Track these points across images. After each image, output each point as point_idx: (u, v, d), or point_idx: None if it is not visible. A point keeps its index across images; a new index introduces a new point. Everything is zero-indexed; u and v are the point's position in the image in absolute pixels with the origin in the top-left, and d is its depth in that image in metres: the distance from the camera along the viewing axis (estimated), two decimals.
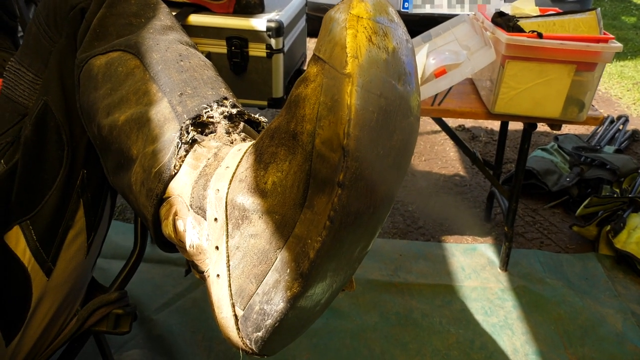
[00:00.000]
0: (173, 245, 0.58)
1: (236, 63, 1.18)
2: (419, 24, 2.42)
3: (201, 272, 0.50)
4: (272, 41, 1.15)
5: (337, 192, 0.40)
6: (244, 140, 0.54)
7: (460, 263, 1.49)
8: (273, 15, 1.18)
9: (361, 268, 1.44)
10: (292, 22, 1.26)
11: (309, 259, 0.42)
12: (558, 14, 1.21)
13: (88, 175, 0.70)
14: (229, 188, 0.46)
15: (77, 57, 0.66)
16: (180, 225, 0.50)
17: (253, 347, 0.46)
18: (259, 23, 1.14)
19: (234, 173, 0.47)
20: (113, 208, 0.79)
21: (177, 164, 0.52)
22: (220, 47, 1.17)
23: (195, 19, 1.15)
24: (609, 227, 1.55)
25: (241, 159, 0.47)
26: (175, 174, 0.52)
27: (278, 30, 1.15)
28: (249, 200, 0.45)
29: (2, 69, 0.74)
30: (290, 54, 1.27)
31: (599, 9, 1.17)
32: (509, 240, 1.42)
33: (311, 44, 3.01)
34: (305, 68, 1.37)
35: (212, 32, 1.16)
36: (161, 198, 0.53)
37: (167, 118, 0.55)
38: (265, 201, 0.44)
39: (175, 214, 0.51)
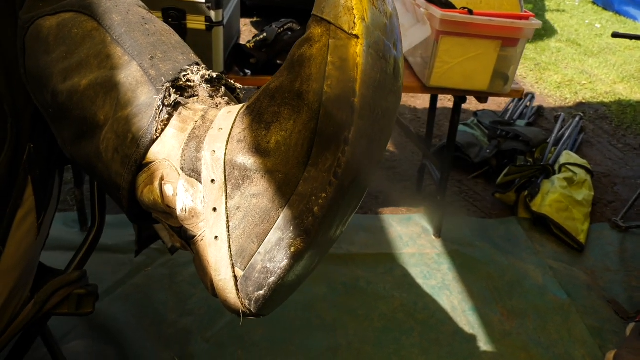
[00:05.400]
0: (144, 216, 0.56)
1: None
2: None
3: (191, 237, 0.49)
4: (212, 13, 1.12)
5: (342, 149, 0.42)
6: (228, 103, 0.53)
7: (398, 232, 1.56)
8: None
9: None
10: None
11: (314, 216, 0.43)
12: None
13: (35, 150, 0.65)
14: (226, 149, 0.46)
15: (20, 18, 0.60)
16: (168, 189, 0.48)
17: (252, 307, 0.46)
18: None
19: (230, 134, 0.46)
20: (61, 186, 0.73)
21: (159, 127, 0.50)
22: None
23: None
24: (526, 193, 1.70)
25: (235, 120, 0.47)
26: (157, 138, 0.50)
27: (218, 2, 1.12)
28: (250, 160, 0.44)
29: None
30: (229, 27, 1.24)
31: None
32: (442, 208, 1.52)
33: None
34: (242, 43, 1.34)
35: (147, 2, 1.10)
36: (140, 164, 0.50)
37: (140, 82, 0.53)
38: (267, 160, 0.44)
39: (162, 179, 0.49)
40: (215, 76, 0.54)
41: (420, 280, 1.39)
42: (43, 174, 0.67)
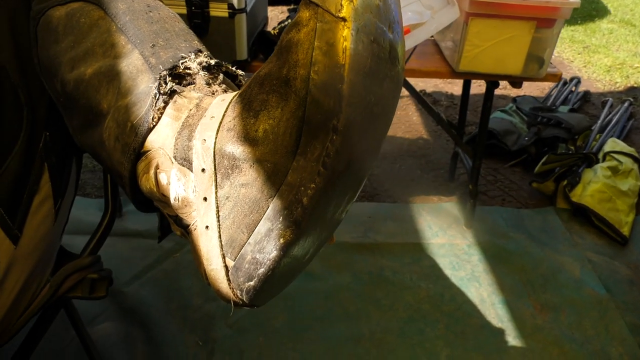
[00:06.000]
0: (150, 204, 0.56)
1: (197, 24, 1.13)
2: None
3: (186, 226, 0.49)
4: (235, 0, 1.11)
5: (331, 138, 0.40)
6: (225, 91, 0.52)
7: (428, 222, 1.52)
8: None
9: None
10: None
11: (303, 206, 0.42)
12: None
13: (51, 138, 0.66)
14: (216, 138, 0.45)
15: (32, 9, 0.61)
16: (163, 178, 0.48)
17: (244, 297, 0.46)
18: None
19: (221, 122, 0.45)
20: (79, 173, 0.75)
21: (155, 115, 0.50)
22: (179, 8, 1.12)
23: None
24: (565, 182, 1.62)
25: (227, 108, 0.46)
26: (154, 126, 0.50)
27: None
28: (238, 149, 0.43)
29: None
30: (253, 14, 1.23)
31: None
32: (474, 197, 1.47)
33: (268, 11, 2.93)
34: (268, 30, 1.34)
35: None
36: (139, 152, 0.51)
37: (140, 70, 0.53)
38: (256, 149, 0.43)
39: (157, 167, 0.49)
40: (213, 63, 0.53)
41: (448, 271, 1.35)
42: (59, 162, 0.68)
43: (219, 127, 0.45)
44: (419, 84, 2.40)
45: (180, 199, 0.47)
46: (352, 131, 0.41)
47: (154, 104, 0.50)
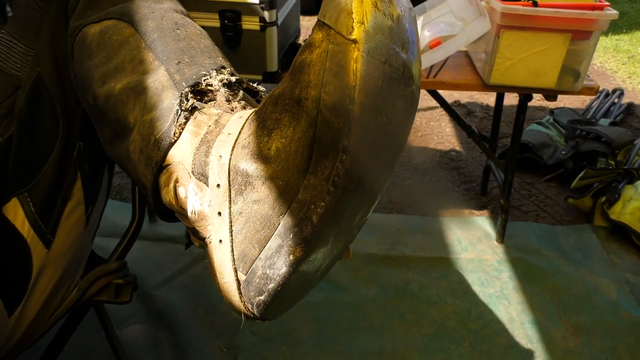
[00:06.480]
0: (172, 214, 0.58)
1: (230, 37, 1.16)
2: None
3: (202, 239, 0.50)
4: (266, 14, 1.14)
5: (340, 158, 0.41)
6: (244, 108, 0.54)
7: (457, 236, 1.50)
8: None
9: (360, 242, 1.46)
10: None
11: (312, 224, 0.42)
12: None
13: (85, 148, 0.70)
14: (231, 154, 0.46)
15: (69, 26, 0.65)
16: (181, 192, 0.50)
17: (255, 311, 0.47)
18: None
19: (237, 140, 0.46)
20: (111, 181, 0.79)
21: (177, 131, 0.51)
22: (213, 21, 1.15)
23: None
24: (604, 199, 1.56)
25: (243, 125, 0.47)
26: (175, 141, 0.52)
27: (271, 3, 1.13)
28: (252, 166, 0.45)
29: None
30: (284, 27, 1.25)
31: None
32: (505, 212, 1.44)
33: (304, 21, 2.97)
34: (299, 42, 1.35)
35: (205, 5, 1.14)
36: (161, 166, 0.53)
37: (165, 86, 0.55)
38: (268, 167, 0.44)
39: (177, 181, 0.51)
40: (234, 80, 0.55)
41: (476, 288, 1.32)
42: (92, 170, 0.72)
43: (235, 144, 0.46)
44: (453, 94, 2.37)
45: (196, 213, 0.49)
46: (363, 151, 0.42)
47: (176, 120, 0.52)
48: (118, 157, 0.60)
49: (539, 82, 1.18)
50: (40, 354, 0.76)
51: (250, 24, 1.15)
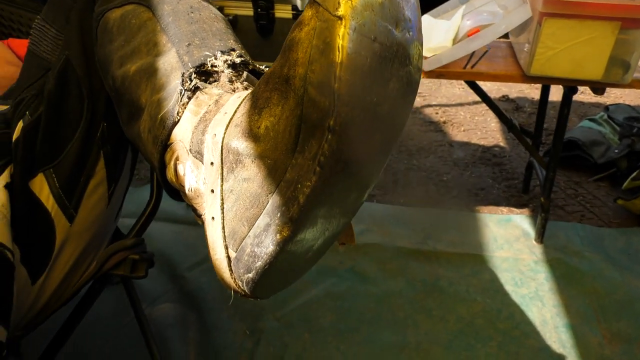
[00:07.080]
0: (179, 193, 0.59)
1: (263, 25, 1.18)
2: None
3: (199, 216, 0.51)
4: (298, 2, 1.14)
5: (327, 138, 0.40)
6: (246, 89, 0.54)
7: (493, 234, 1.45)
8: None
9: (389, 235, 1.44)
10: None
11: (299, 204, 0.42)
12: None
13: (108, 128, 0.73)
14: (225, 133, 0.47)
15: (94, 11, 0.68)
16: (180, 169, 0.51)
17: (245, 288, 0.47)
18: None
19: (231, 118, 0.47)
20: (135, 162, 0.82)
21: (180, 110, 0.53)
22: (247, 10, 1.17)
23: None
24: None
25: (239, 105, 0.48)
26: (178, 120, 0.53)
27: None
28: (242, 145, 0.45)
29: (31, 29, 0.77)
30: None
31: None
32: (545, 211, 1.37)
33: None
34: None
35: None
36: (165, 144, 0.54)
37: (174, 67, 0.56)
38: (258, 145, 0.44)
39: (177, 159, 0.52)
40: (239, 61, 0.55)
41: (509, 287, 1.27)
42: (115, 150, 0.75)
43: (229, 122, 0.47)
44: (502, 89, 2.29)
45: (193, 190, 0.50)
46: (350, 131, 0.41)
47: (180, 100, 0.53)
48: (132, 137, 0.62)
49: (583, 73, 1.12)
50: (60, 325, 0.81)
51: (282, 12, 1.16)
